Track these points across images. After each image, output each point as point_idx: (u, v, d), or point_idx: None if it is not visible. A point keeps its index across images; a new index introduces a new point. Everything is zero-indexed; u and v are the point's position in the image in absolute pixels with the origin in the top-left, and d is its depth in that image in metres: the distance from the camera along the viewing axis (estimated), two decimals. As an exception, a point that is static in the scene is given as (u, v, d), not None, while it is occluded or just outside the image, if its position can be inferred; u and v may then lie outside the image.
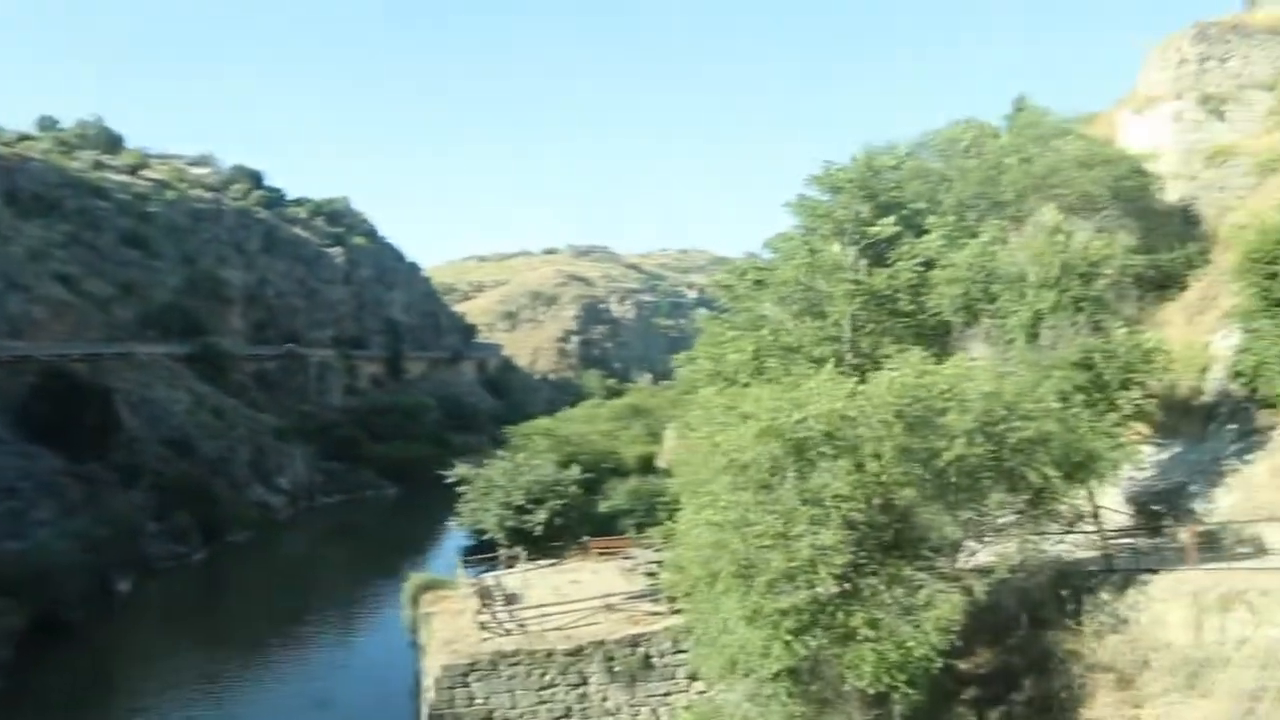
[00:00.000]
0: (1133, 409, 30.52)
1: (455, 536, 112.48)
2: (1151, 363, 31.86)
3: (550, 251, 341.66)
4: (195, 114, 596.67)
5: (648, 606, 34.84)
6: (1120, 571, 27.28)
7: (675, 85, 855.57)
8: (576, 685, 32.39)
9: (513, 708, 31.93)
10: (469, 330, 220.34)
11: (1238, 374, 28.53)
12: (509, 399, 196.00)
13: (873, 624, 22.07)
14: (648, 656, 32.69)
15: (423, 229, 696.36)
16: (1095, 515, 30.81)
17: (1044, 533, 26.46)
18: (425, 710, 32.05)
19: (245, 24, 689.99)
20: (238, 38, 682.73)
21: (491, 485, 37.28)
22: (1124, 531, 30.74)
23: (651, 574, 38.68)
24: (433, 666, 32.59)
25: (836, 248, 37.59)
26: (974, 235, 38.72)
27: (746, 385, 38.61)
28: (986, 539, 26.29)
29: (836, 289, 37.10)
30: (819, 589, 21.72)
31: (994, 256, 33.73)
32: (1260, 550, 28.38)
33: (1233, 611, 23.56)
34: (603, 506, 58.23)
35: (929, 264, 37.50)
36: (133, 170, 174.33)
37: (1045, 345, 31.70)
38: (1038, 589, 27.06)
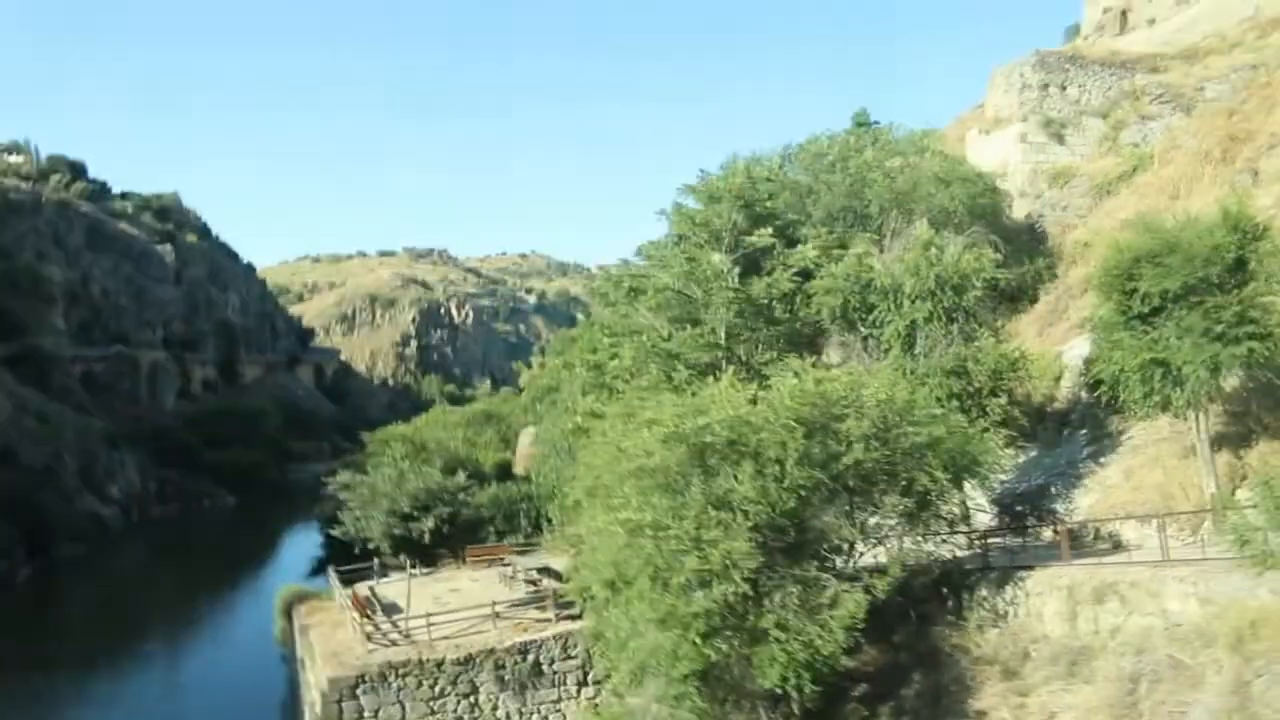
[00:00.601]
0: (1001, 414, 32.20)
1: (305, 545, 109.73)
2: (1017, 371, 33.70)
3: (387, 253, 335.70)
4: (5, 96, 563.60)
5: (534, 614, 34.83)
6: (997, 569, 28.70)
7: (513, 87, 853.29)
8: (467, 694, 32.16)
9: (404, 716, 31.51)
10: (306, 333, 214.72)
11: (1099, 382, 30.35)
12: (348, 404, 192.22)
13: (781, 625, 22.71)
14: (538, 663, 32.67)
15: (255, 228, 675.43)
16: (966, 517, 32.39)
17: (928, 534, 27.64)
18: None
19: (66, 6, 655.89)
20: (58, 19, 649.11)
21: (376, 493, 36.50)
22: (992, 532, 32.29)
23: (532, 581, 38.74)
24: (317, 680, 31.82)
25: (716, 257, 38.35)
26: (843, 246, 40.13)
27: (622, 392, 39.15)
28: (873, 540, 27.31)
29: (716, 297, 37.85)
30: (730, 591, 22.23)
31: (870, 268, 35.03)
32: (1119, 546, 30.34)
33: (1106, 603, 25.10)
34: (463, 513, 57.89)
35: (804, 273, 38.64)
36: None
37: (919, 354, 33.16)
38: (922, 588, 28.28)
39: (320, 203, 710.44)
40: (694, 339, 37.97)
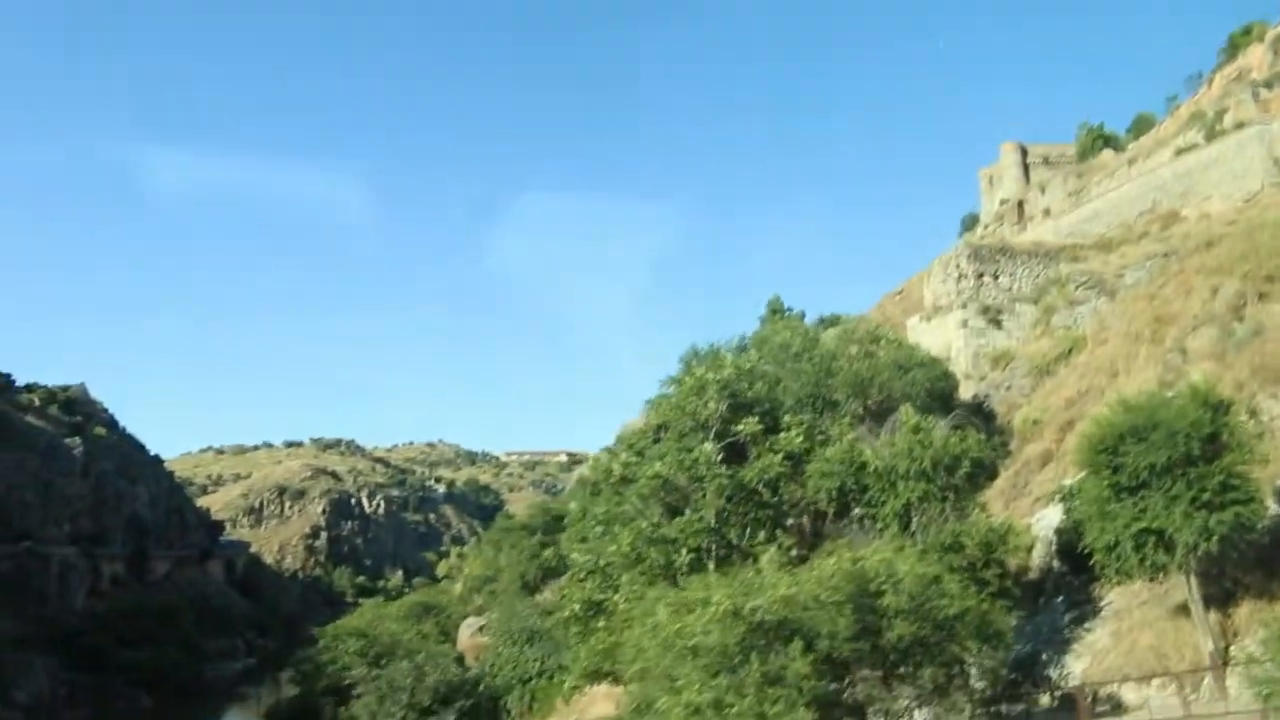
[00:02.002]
0: (998, 585, 34.03)
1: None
2: (1006, 543, 35.76)
3: (293, 444, 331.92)
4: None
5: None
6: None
7: (406, 280, 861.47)
8: None
9: None
10: (215, 527, 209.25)
11: (1085, 551, 32.46)
12: (260, 598, 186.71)
13: (847, 794, 23.72)
14: None
15: (157, 419, 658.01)
16: (966, 685, 33.75)
17: (952, 701, 28.92)
18: None
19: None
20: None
21: (394, 687, 36.24)
22: (997, 699, 33.64)
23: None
24: None
25: (708, 445, 40.19)
26: (822, 431, 42.46)
27: (619, 581, 40.26)
28: (905, 712, 28.49)
29: (709, 484, 39.47)
30: (798, 763, 23.20)
31: (861, 452, 37.19)
32: (1119, 708, 31.95)
33: (1132, 763, 26.62)
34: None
35: (789, 457, 40.61)
36: None
37: (914, 531, 35.07)
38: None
39: (222, 394, 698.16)
40: (689, 524, 39.35)
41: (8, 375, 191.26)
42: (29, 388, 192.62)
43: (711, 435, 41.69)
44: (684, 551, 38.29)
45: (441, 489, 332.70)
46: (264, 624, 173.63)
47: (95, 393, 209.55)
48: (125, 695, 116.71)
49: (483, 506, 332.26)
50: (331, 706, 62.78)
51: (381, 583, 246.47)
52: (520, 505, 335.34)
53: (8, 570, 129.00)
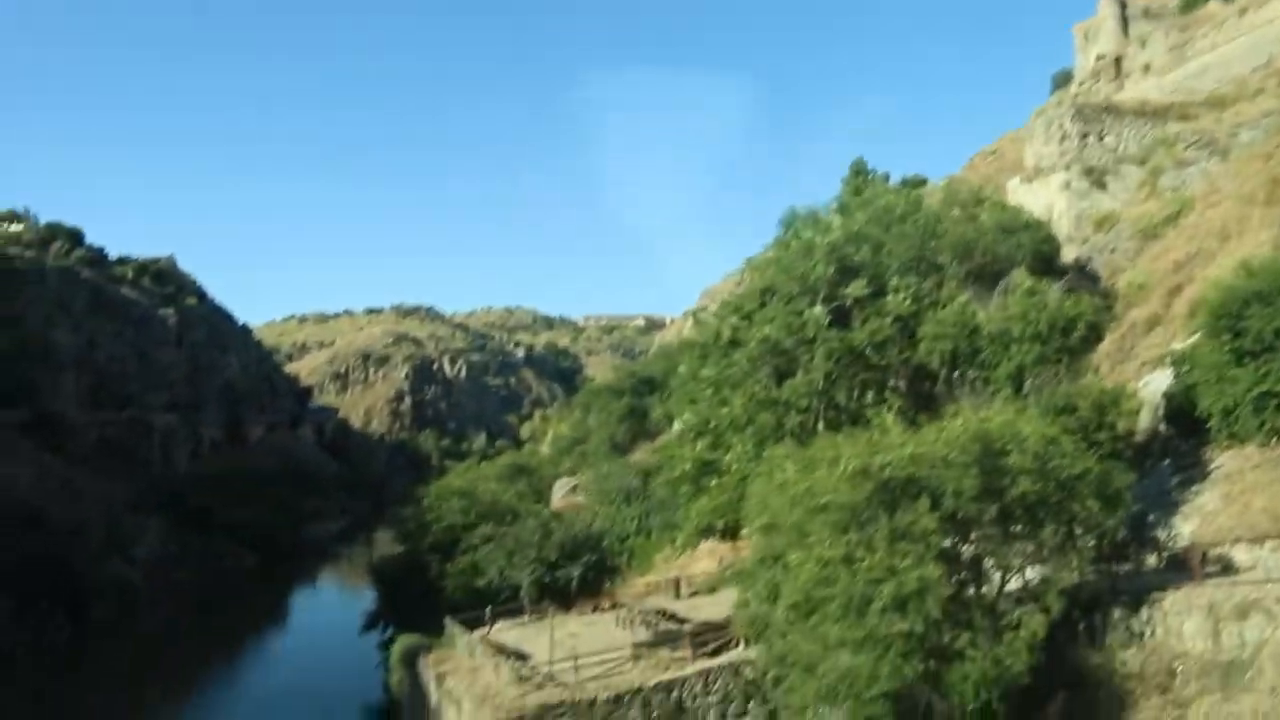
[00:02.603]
0: (1110, 447, 34.25)
1: (335, 600, 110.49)
2: (1119, 406, 35.82)
3: (374, 311, 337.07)
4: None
5: (665, 653, 36.22)
6: (1126, 592, 30.59)
7: (492, 148, 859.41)
8: (622, 733, 33.47)
9: (561, 754, 32.83)
10: (303, 393, 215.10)
11: (1214, 413, 32.48)
12: (349, 462, 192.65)
13: (973, 644, 24.57)
14: (680, 700, 34.02)
15: (240, 288, 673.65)
16: (1078, 544, 34.28)
17: (1069, 559, 29.49)
18: (470, 764, 32.63)
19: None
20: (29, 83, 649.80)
21: (521, 543, 37.84)
22: (1109, 557, 34.16)
23: (649, 624, 40.19)
24: (476, 720, 33.17)
25: (817, 309, 40.43)
26: (924, 294, 42.38)
27: (732, 442, 41.13)
28: (1022, 568, 29.15)
29: (819, 348, 39.83)
30: (928, 612, 24.04)
31: (974, 315, 37.22)
32: (1229, 569, 32.29)
33: (1249, 619, 27.04)
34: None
35: (899, 320, 40.75)
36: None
37: (1027, 394, 35.26)
38: (1060, 611, 30.06)
39: (303, 262, 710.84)
40: (798, 387, 39.88)
41: (101, 249, 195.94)
42: (121, 260, 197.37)
43: (819, 299, 41.87)
44: (793, 414, 38.93)
45: (520, 353, 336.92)
46: (354, 486, 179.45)
47: (183, 264, 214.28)
48: (231, 554, 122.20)
49: (561, 370, 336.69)
50: (438, 563, 65.17)
51: (465, 445, 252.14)
52: (599, 369, 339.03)
53: (115, 437, 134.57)
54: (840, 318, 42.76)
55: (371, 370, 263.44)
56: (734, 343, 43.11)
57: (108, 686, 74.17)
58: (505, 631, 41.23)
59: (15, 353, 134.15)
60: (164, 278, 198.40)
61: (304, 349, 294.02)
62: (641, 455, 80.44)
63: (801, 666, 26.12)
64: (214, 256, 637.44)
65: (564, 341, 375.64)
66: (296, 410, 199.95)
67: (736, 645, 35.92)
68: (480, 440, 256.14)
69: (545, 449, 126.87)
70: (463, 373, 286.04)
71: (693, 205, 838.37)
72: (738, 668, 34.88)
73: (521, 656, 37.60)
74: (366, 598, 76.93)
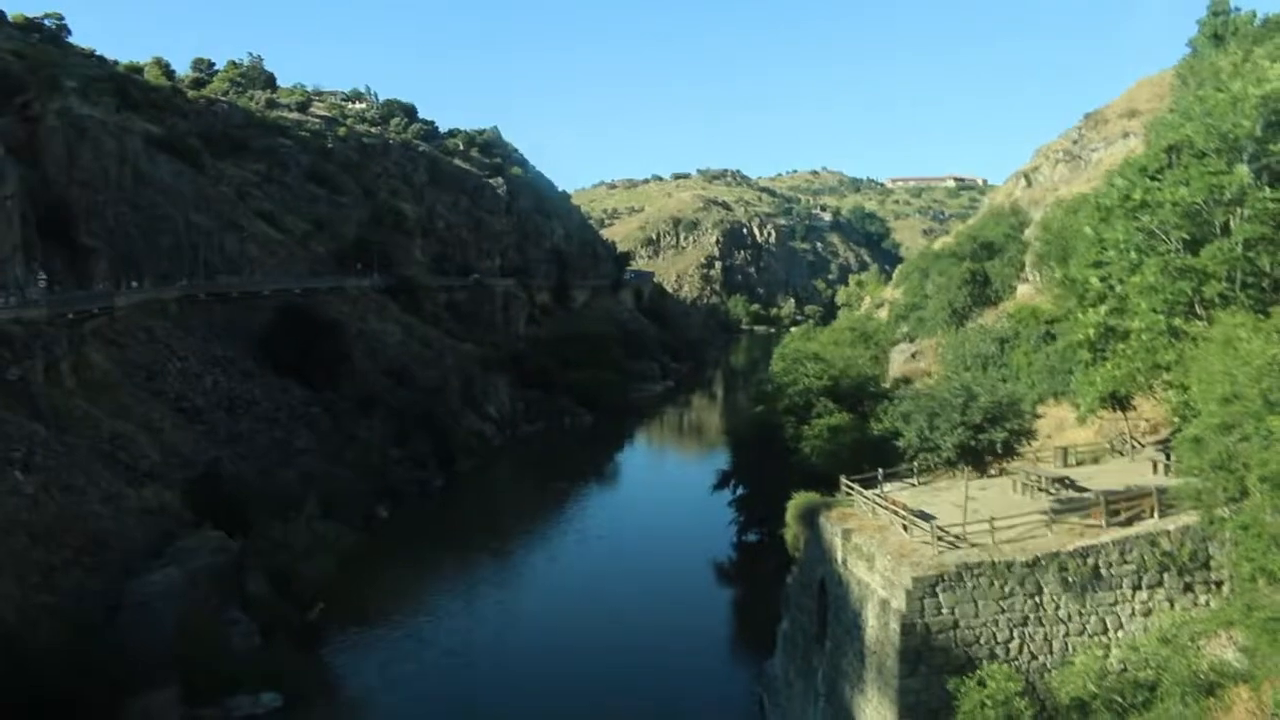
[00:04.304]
0: None
1: (672, 458, 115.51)
2: None
3: (681, 176, 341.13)
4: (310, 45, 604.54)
5: (1074, 520, 35.28)
6: None
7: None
8: (1032, 594, 33.07)
9: (975, 617, 32.83)
10: (622, 258, 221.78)
11: None
12: (666, 325, 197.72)
13: None
14: (1096, 567, 33.22)
15: (549, 156, 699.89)
16: None
17: None
18: (891, 620, 33.14)
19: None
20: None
21: (946, 406, 37.78)
22: None
23: (1049, 490, 39.19)
24: (891, 579, 33.55)
25: (1242, 168, 37.01)
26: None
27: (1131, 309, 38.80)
28: None
29: (1246, 208, 36.56)
30: None
31: None
32: None
33: None
34: (876, 429, 59.02)
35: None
36: (301, 108, 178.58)
37: None
38: None
39: (610, 128, 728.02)
40: (1218, 252, 36.89)
41: (432, 122, 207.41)
42: (450, 133, 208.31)
43: (1245, 157, 38.24)
44: (1212, 282, 36.15)
45: (827, 217, 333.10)
46: (674, 349, 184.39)
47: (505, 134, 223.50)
48: (571, 411, 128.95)
49: (869, 234, 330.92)
50: (793, 425, 66.17)
51: (773, 311, 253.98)
52: (907, 233, 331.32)
53: (463, 301, 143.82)
54: (1270, 179, 38.98)
55: (681, 235, 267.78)
56: (1144, 204, 40.17)
57: (480, 523, 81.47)
58: (897, 494, 41.29)
59: (373, 222, 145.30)
60: (490, 148, 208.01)
61: (614, 215, 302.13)
62: (989, 320, 77.90)
63: (1270, 537, 24.81)
64: (524, 125, 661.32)
65: (870, 205, 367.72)
66: (615, 275, 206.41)
67: (1150, 515, 34.67)
68: (789, 305, 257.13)
69: (863, 314, 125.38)
70: (771, 238, 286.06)
71: (1018, 43, 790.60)
72: (1154, 538, 33.67)
73: (924, 517, 37.62)
74: (697, 455, 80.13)
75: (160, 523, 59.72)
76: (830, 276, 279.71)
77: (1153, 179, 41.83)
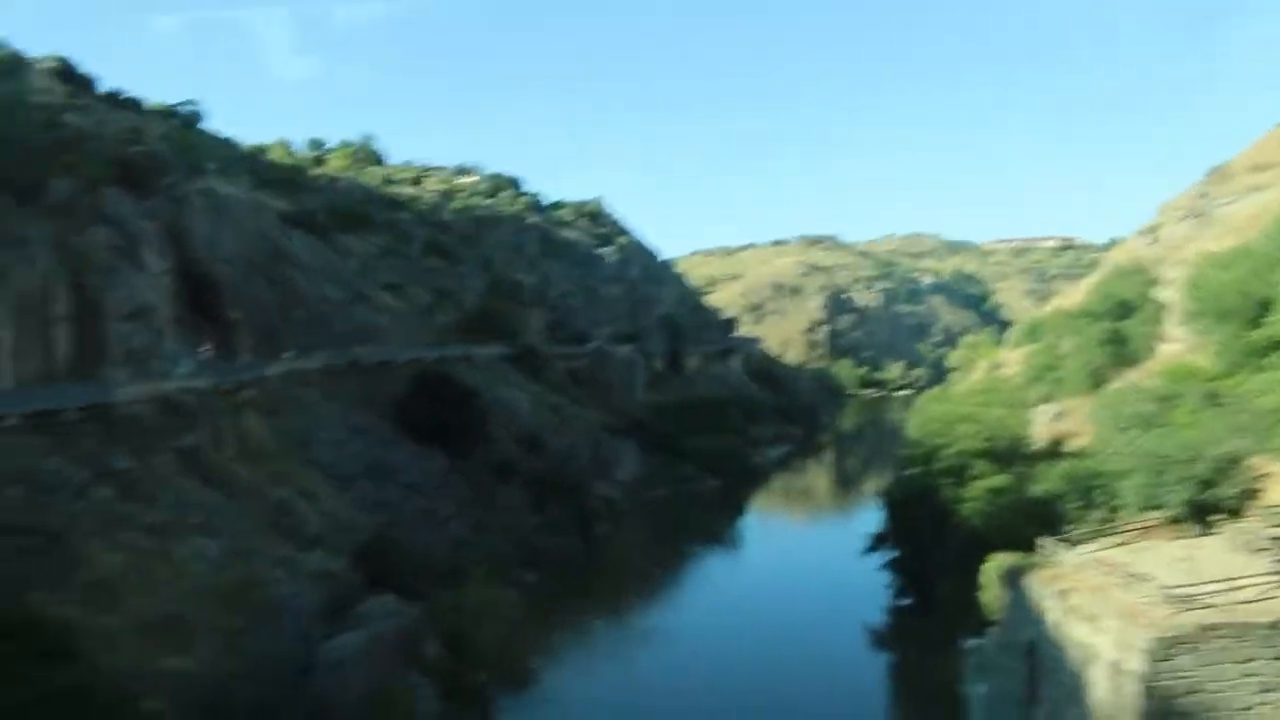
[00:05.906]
0: None
1: (822, 522, 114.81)
2: None
3: (779, 242, 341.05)
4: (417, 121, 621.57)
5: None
6: None
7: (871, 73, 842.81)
8: (1277, 658, 32.04)
9: (1216, 681, 31.83)
10: (728, 324, 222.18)
11: None
12: (777, 390, 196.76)
13: None
14: (1338, 630, 32.02)
15: (644, 226, 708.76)
16: None
17: None
18: (1127, 683, 32.30)
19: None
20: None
21: (1169, 462, 37.10)
22: None
23: (1269, 549, 38.01)
24: (1129, 639, 32.71)
25: None
26: None
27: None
28: None
29: None
30: None
31: None
32: None
33: None
34: (1034, 491, 57.99)
35: None
36: (415, 182, 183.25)
37: None
38: None
39: (701, 196, 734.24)
40: None
41: (536, 195, 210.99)
42: (556, 205, 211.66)
43: None
44: None
45: (927, 280, 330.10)
46: (787, 413, 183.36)
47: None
48: (695, 477, 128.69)
49: (970, 297, 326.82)
50: (949, 487, 65.31)
51: (879, 375, 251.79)
52: (1010, 295, 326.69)
53: (584, 369, 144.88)
54: None
55: (785, 300, 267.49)
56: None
57: (625, 586, 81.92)
58: (1113, 553, 40.38)
59: (490, 292, 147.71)
60: (597, 218, 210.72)
61: (713, 282, 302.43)
62: (1133, 380, 76.35)
63: None
64: (616, 196, 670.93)
65: (970, 266, 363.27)
66: (723, 341, 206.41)
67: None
68: (897, 369, 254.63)
69: (989, 376, 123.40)
70: (874, 302, 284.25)
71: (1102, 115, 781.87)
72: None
73: (1139, 577, 36.69)
74: (828, 520, 79.69)
75: (332, 587, 60.66)
76: (934, 340, 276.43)
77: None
